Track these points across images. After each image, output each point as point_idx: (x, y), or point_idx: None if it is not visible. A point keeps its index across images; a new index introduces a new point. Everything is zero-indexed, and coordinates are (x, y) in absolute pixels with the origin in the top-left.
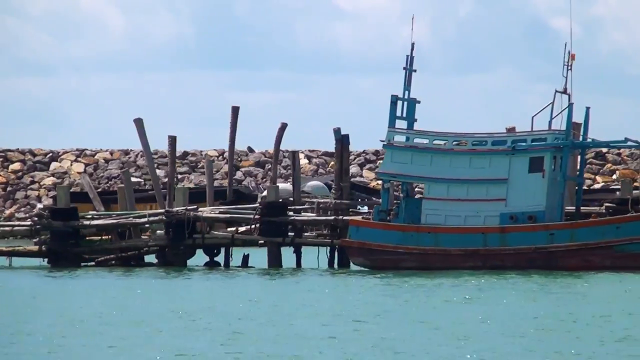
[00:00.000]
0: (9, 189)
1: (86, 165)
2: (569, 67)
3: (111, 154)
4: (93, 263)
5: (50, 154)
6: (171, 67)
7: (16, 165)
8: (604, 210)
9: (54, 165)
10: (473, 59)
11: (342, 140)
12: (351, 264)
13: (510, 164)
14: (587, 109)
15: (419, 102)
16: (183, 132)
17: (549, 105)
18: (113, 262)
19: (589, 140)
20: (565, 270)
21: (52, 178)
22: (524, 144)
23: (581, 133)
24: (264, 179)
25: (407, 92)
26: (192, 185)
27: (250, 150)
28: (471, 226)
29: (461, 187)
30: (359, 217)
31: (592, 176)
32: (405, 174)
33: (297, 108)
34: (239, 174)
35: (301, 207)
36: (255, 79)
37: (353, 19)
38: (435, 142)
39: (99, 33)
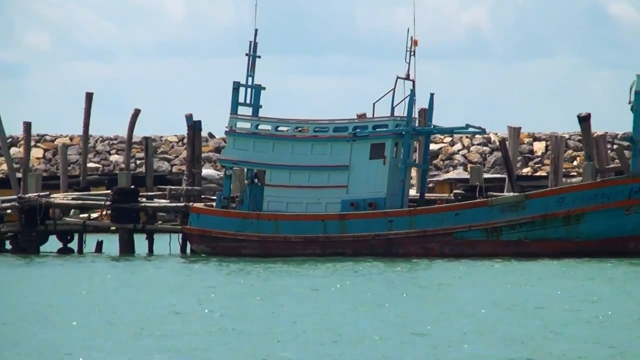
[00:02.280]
0: None
1: (45, 150)
2: (412, 53)
3: (71, 139)
4: None
5: (10, 139)
6: (232, 53)
7: None
8: (452, 197)
9: (13, 150)
10: (534, 45)
11: (194, 127)
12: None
13: (351, 150)
14: (432, 95)
15: (264, 88)
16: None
17: (390, 91)
18: None
19: (431, 126)
20: (404, 257)
21: None
22: (365, 130)
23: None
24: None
25: (250, 79)
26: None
27: (211, 136)
28: (311, 213)
29: (303, 173)
30: (201, 204)
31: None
32: (248, 160)
33: (360, 93)
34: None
35: (154, 193)
36: (317, 64)
37: (412, 4)
38: (280, 128)
39: (160, 19)
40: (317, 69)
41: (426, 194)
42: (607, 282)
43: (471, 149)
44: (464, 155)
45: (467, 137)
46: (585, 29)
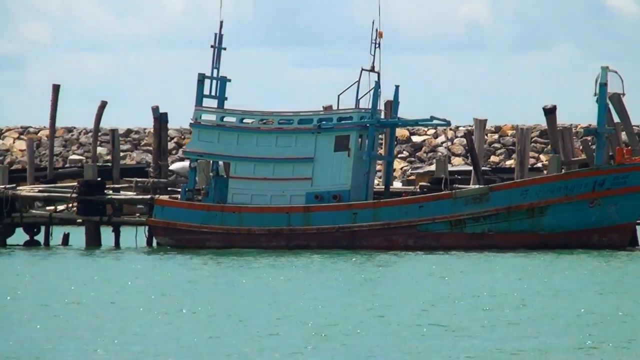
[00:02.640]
0: None
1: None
2: (377, 45)
3: (55, 131)
4: None
5: None
6: (229, 44)
7: None
8: (418, 190)
9: None
10: (533, 36)
11: (160, 119)
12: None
13: (316, 142)
14: (397, 87)
15: (229, 80)
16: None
17: (355, 83)
18: None
19: (396, 119)
20: (368, 249)
21: None
22: (329, 122)
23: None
24: None
25: (216, 71)
26: (134, 163)
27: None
28: (275, 205)
29: (267, 166)
30: (166, 197)
31: (537, 155)
32: (212, 152)
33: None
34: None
35: (120, 186)
36: (314, 55)
37: None
38: (246, 120)
39: (157, 10)
40: (316, 61)
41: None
42: (525, 274)
43: (455, 141)
44: (447, 148)
45: (450, 129)
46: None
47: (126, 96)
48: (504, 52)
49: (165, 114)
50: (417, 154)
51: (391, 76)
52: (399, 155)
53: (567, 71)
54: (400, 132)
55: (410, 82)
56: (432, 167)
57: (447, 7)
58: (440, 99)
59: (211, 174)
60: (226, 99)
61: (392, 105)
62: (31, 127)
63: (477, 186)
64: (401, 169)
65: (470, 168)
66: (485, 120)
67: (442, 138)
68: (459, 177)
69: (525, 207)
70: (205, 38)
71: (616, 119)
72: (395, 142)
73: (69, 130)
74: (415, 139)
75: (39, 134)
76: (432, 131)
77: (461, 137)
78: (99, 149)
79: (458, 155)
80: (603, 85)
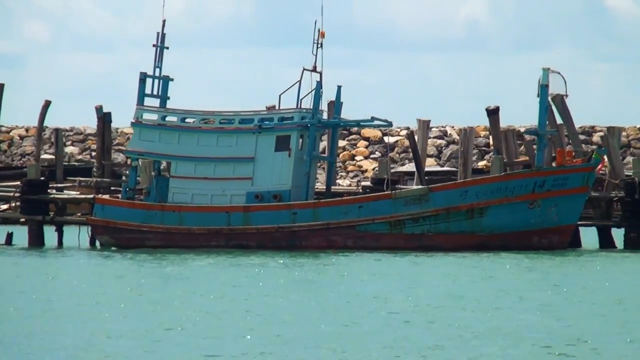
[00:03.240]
0: None
1: (0, 142)
2: (319, 45)
3: (27, 130)
4: None
5: None
6: (230, 45)
7: None
8: (361, 190)
9: None
10: (531, 37)
11: (104, 119)
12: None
13: (257, 142)
14: (339, 87)
15: (171, 79)
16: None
17: (296, 83)
18: None
19: (338, 119)
20: (308, 250)
21: None
22: (270, 122)
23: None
24: None
25: (158, 70)
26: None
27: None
28: (215, 205)
29: (208, 165)
30: (106, 196)
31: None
32: (153, 152)
33: (354, 85)
34: None
35: (64, 185)
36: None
37: None
38: (188, 120)
39: (158, 10)
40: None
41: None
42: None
43: (427, 142)
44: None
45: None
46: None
47: (125, 96)
48: (504, 53)
49: (109, 114)
50: (390, 154)
51: (399, 77)
52: (372, 156)
53: (567, 71)
54: (373, 133)
55: (413, 82)
56: (404, 168)
57: (447, 9)
58: (441, 99)
59: (153, 173)
60: (168, 98)
61: (335, 105)
62: (3, 126)
63: (417, 187)
64: (373, 169)
65: (443, 169)
66: (429, 120)
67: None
68: (434, 177)
69: (465, 208)
70: (204, 38)
71: (559, 120)
72: (368, 143)
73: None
74: (389, 140)
75: (10, 133)
76: (404, 132)
77: (434, 137)
78: (70, 148)
79: (430, 156)
80: (544, 87)
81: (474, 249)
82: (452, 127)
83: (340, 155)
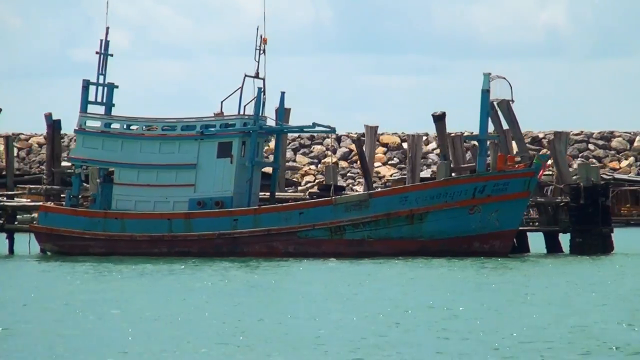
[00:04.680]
0: None
1: (19, 149)
2: (261, 52)
3: (45, 138)
4: None
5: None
6: (310, 52)
7: None
8: (307, 197)
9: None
10: (610, 43)
11: (54, 126)
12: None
13: (199, 149)
14: (282, 94)
15: (116, 86)
16: (320, 115)
17: (237, 89)
18: None
19: (281, 125)
20: (249, 256)
21: None
22: (212, 129)
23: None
24: None
25: (102, 77)
26: None
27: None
28: (157, 212)
29: (151, 172)
30: (50, 203)
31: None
32: (97, 159)
33: (435, 92)
34: None
35: (14, 192)
36: (392, 62)
37: (490, 3)
38: (133, 127)
39: (237, 17)
40: (392, 69)
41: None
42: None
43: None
44: (437, 154)
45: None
46: None
47: (202, 101)
48: (582, 60)
49: (59, 121)
50: (407, 160)
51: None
52: (389, 162)
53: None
54: (391, 139)
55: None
56: (424, 174)
57: (525, 13)
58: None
59: (98, 180)
60: (114, 105)
61: (278, 111)
62: (22, 133)
63: (357, 193)
64: (391, 175)
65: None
66: (376, 127)
67: (432, 145)
68: None
69: (405, 214)
70: (282, 45)
71: (505, 125)
72: (387, 149)
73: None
74: (406, 145)
75: (29, 141)
76: (423, 137)
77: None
78: None
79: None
80: (485, 92)
81: (415, 254)
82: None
83: (358, 161)
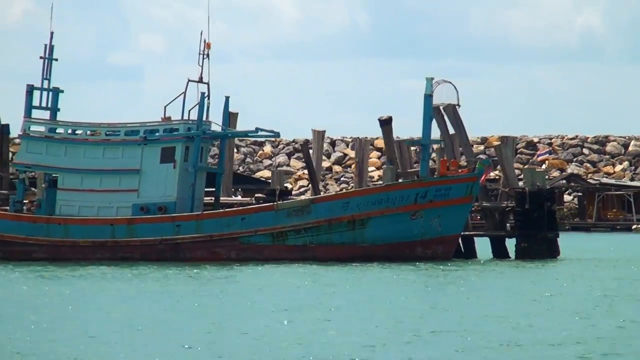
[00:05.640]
0: None
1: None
2: (205, 56)
3: None
4: None
5: None
6: (347, 55)
7: None
8: (253, 201)
9: None
10: None
11: (2, 130)
12: None
13: (142, 154)
14: (227, 98)
15: (62, 91)
16: (352, 119)
17: (181, 94)
18: None
19: (225, 130)
20: (192, 262)
21: None
22: (156, 134)
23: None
24: None
25: (46, 82)
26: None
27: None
28: (100, 217)
29: (95, 177)
30: None
31: (521, 166)
32: (41, 164)
33: (470, 96)
34: None
35: None
36: (428, 67)
37: (526, 7)
38: (78, 132)
39: (273, 21)
40: (427, 73)
41: None
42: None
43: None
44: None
45: None
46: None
47: (236, 105)
48: (619, 63)
49: (7, 126)
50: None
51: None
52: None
53: None
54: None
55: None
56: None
57: (562, 17)
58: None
59: (43, 185)
60: (59, 109)
61: (223, 116)
62: None
63: (300, 198)
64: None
65: None
66: (324, 131)
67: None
68: None
69: (347, 219)
70: (317, 49)
71: (451, 130)
72: (381, 153)
73: None
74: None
75: None
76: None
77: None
78: None
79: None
80: (428, 97)
81: (357, 259)
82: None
83: (353, 165)
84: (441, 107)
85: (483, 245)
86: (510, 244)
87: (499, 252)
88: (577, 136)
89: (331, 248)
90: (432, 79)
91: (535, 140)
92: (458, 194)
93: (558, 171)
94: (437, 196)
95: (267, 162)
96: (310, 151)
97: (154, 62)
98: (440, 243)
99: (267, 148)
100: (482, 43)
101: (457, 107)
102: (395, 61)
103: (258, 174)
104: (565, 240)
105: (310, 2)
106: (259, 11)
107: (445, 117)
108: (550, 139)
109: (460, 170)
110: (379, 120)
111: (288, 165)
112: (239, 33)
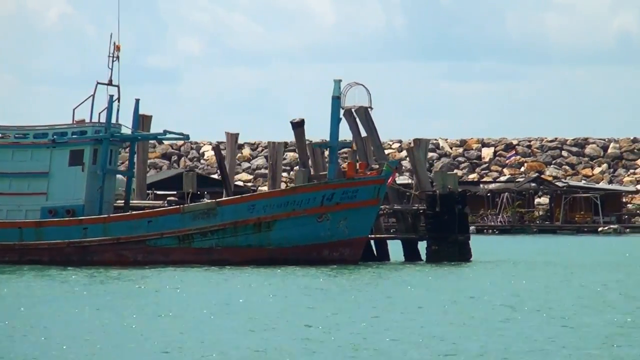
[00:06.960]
0: None
1: None
2: (115, 58)
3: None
4: None
5: None
6: (380, 58)
7: None
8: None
9: None
10: None
11: None
12: None
13: (51, 157)
14: (137, 101)
15: None
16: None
17: (89, 97)
18: None
19: (134, 133)
20: (99, 265)
21: None
22: (64, 137)
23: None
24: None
25: None
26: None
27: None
28: (7, 220)
29: (4, 180)
30: None
31: (500, 169)
32: None
33: (506, 99)
34: None
35: None
36: (466, 69)
37: (563, 9)
38: None
39: (309, 23)
40: (465, 75)
41: None
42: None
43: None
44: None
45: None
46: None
47: (274, 108)
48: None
49: None
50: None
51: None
52: None
53: None
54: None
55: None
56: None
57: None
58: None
59: None
60: None
61: (133, 118)
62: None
63: (205, 201)
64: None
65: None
66: (237, 134)
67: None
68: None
69: (252, 222)
70: (354, 51)
71: (363, 132)
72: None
73: None
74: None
75: None
76: (396, 145)
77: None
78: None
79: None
80: (335, 99)
81: (263, 262)
82: (446, 140)
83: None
84: (353, 110)
85: (397, 248)
86: (423, 246)
87: (411, 255)
88: (556, 138)
89: (237, 251)
90: (340, 80)
91: (515, 142)
92: (365, 196)
93: (537, 173)
94: (344, 198)
95: (245, 164)
96: (223, 152)
97: (191, 65)
98: (347, 245)
99: (246, 151)
100: (518, 45)
101: (369, 109)
102: (432, 64)
103: (236, 177)
104: (509, 243)
105: (344, 4)
106: (295, 13)
107: (358, 119)
108: (530, 141)
109: (369, 173)
110: (291, 123)
111: (267, 168)
112: (275, 35)
